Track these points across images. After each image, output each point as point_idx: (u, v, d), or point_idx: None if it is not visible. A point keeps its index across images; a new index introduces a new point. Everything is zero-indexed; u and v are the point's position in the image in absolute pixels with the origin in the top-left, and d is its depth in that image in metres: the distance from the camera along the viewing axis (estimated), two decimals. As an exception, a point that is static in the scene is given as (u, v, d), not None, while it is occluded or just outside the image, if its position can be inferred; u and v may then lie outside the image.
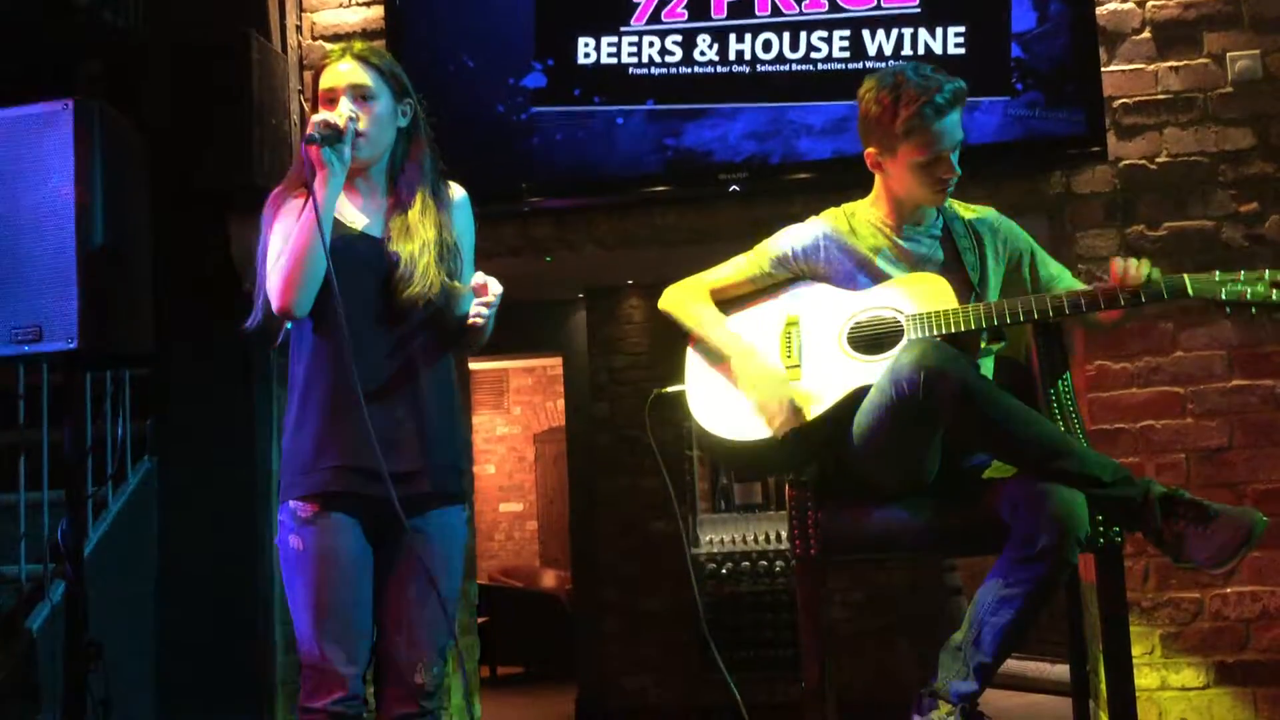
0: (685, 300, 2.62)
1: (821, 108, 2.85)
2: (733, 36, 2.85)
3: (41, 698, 3.03)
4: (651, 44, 2.85)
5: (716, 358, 2.55)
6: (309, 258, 2.18)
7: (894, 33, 2.80)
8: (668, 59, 2.88)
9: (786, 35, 2.82)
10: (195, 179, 3.45)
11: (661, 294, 2.67)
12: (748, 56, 2.86)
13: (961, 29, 2.83)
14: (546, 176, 3.01)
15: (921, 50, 2.84)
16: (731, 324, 2.60)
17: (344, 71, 2.29)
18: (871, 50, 2.81)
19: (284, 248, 2.22)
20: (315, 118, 2.22)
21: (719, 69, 2.88)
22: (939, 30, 2.82)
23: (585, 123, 2.92)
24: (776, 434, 2.41)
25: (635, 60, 2.85)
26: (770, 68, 2.87)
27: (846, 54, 2.80)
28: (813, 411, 2.42)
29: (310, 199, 2.18)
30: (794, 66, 2.85)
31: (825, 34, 2.82)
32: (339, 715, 2.18)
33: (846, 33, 2.81)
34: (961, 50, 2.83)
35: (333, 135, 2.20)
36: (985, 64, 2.79)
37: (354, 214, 2.33)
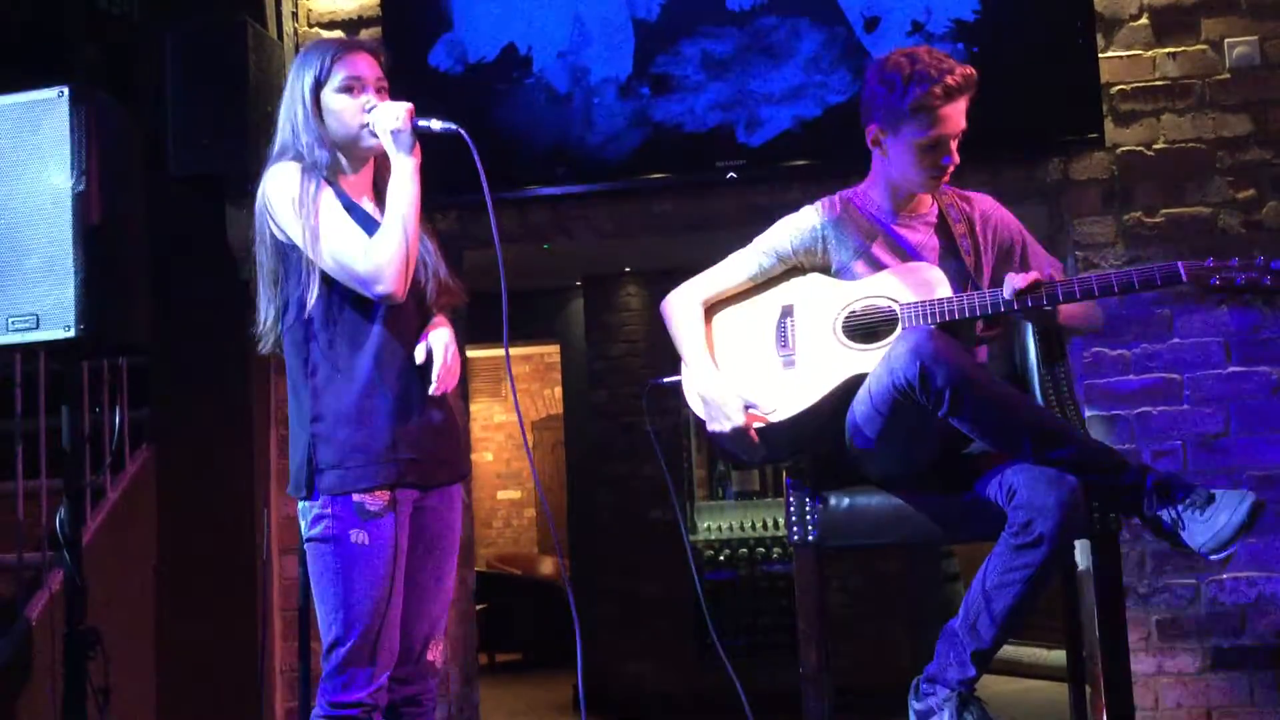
0: (677, 316, 2.63)
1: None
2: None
3: (40, 686, 3.03)
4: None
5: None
6: (415, 242, 2.22)
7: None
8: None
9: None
10: (191, 166, 3.44)
11: (659, 281, 2.68)
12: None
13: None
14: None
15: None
16: (728, 317, 2.62)
17: (371, 63, 2.31)
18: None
19: (394, 231, 2.18)
20: (397, 107, 2.22)
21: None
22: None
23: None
24: (725, 430, 2.45)
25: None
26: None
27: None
28: (808, 400, 2.43)
29: (406, 183, 2.21)
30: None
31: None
32: (372, 707, 2.17)
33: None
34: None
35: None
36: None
37: (376, 213, 2.32)
